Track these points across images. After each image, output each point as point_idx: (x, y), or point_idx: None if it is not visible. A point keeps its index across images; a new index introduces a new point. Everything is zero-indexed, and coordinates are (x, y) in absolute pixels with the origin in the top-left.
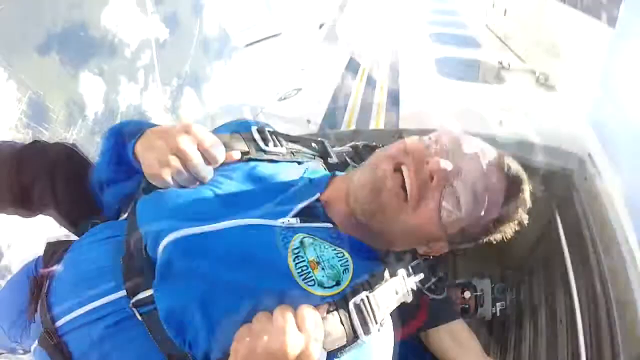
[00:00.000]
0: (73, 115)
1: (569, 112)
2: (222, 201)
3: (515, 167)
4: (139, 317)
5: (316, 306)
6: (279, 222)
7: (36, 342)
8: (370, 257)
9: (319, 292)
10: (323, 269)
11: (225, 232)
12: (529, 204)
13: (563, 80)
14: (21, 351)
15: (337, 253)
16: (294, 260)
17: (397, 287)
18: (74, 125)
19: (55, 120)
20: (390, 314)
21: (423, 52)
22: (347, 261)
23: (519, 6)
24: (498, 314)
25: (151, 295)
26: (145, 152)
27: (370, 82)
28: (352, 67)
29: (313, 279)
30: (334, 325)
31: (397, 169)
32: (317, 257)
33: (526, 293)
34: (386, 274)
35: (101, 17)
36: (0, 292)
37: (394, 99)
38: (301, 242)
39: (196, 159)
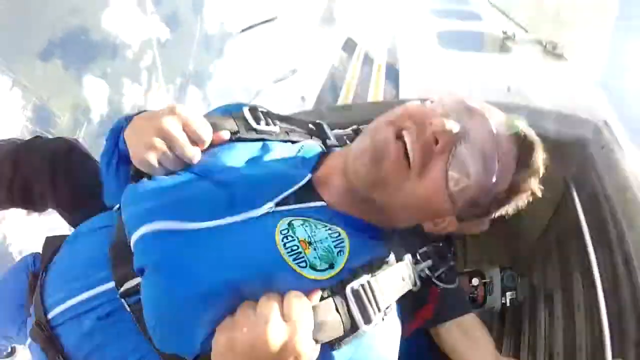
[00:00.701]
0: (78, 119)
1: (580, 80)
2: (206, 192)
3: (527, 129)
4: (127, 308)
5: (308, 292)
6: (264, 209)
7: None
8: (372, 236)
9: (312, 275)
10: (315, 249)
11: (205, 233)
12: (542, 171)
13: (572, 47)
14: (9, 348)
15: (332, 233)
16: (282, 241)
17: (403, 272)
18: (79, 129)
19: (61, 125)
20: (397, 305)
21: (424, 27)
22: (343, 241)
23: None
24: (508, 303)
25: (138, 284)
26: (131, 137)
27: (367, 62)
28: (349, 47)
29: (304, 260)
30: (328, 314)
31: (399, 136)
32: (309, 237)
33: (540, 278)
34: (391, 257)
35: (102, 19)
36: None
37: (392, 78)
38: (289, 224)
39: (181, 139)
